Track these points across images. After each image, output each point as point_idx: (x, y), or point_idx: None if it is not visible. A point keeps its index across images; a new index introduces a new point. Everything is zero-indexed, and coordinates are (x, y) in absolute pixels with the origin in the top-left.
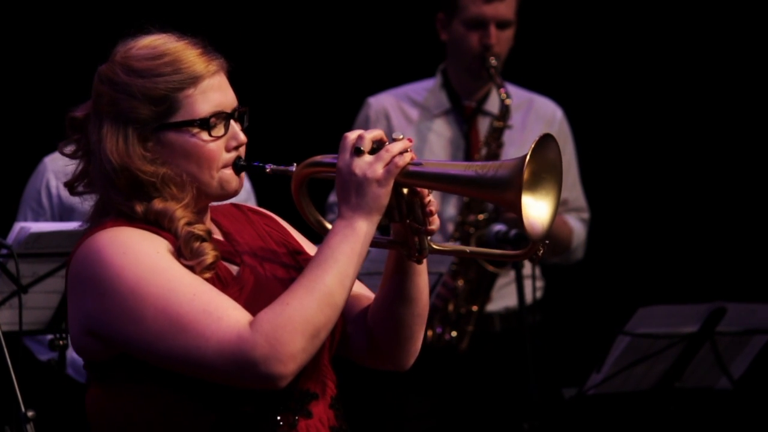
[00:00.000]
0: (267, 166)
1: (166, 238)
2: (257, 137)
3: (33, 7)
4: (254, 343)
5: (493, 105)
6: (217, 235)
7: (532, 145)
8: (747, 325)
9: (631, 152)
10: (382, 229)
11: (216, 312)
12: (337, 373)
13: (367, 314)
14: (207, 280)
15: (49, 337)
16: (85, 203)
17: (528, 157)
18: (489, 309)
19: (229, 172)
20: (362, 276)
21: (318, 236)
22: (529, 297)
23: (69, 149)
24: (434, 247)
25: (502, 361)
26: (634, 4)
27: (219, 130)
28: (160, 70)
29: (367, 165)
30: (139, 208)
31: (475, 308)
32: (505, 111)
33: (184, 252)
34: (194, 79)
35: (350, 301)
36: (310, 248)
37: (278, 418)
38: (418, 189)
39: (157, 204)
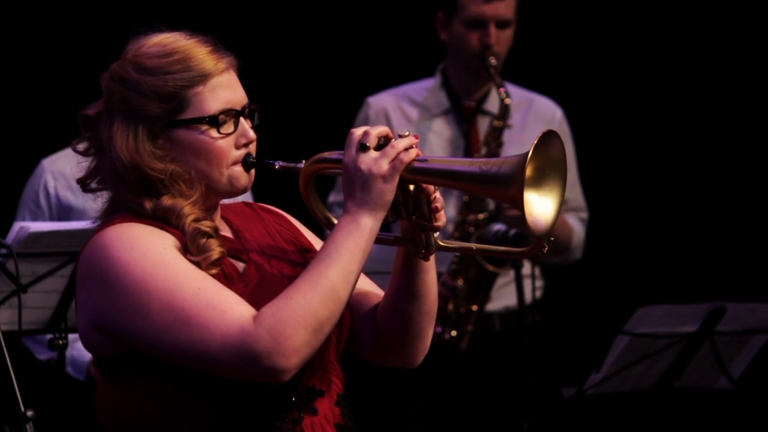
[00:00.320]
0: (276, 163)
1: (174, 234)
2: (258, 135)
3: (33, 8)
4: (257, 337)
5: (492, 104)
6: (227, 233)
7: (535, 141)
8: (746, 324)
9: (631, 152)
10: (385, 227)
11: (220, 306)
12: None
13: (377, 311)
14: (213, 276)
15: (49, 336)
16: (86, 204)
17: (530, 153)
18: (489, 308)
19: (238, 169)
20: (363, 274)
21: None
22: (528, 296)
23: (81, 147)
24: (441, 244)
25: (501, 361)
26: (634, 4)
27: (228, 128)
28: (169, 68)
29: (372, 161)
30: (148, 204)
31: (474, 308)
32: (504, 110)
33: (191, 248)
34: (203, 77)
35: (360, 298)
36: (320, 246)
37: (283, 414)
38: (424, 186)
39: (166, 200)
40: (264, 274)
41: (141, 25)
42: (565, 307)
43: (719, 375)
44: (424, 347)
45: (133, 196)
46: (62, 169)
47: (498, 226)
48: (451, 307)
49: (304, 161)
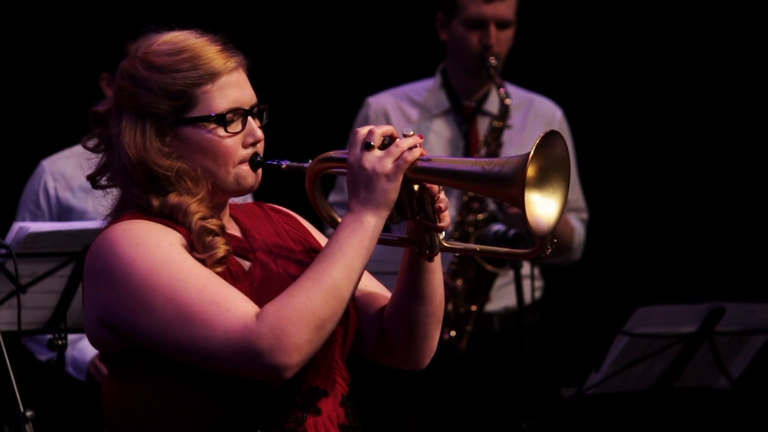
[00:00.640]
0: (283, 163)
1: (180, 231)
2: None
3: (33, 8)
4: (260, 334)
5: (492, 105)
6: (235, 231)
7: (537, 141)
8: (746, 324)
9: (631, 153)
10: (389, 228)
11: (224, 303)
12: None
13: (383, 313)
14: (218, 274)
15: (48, 337)
16: (86, 205)
17: (532, 153)
18: (488, 309)
19: (245, 168)
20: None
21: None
22: (528, 297)
23: (91, 143)
24: (445, 244)
25: (501, 361)
26: (634, 4)
27: (236, 127)
28: (178, 66)
29: (376, 159)
30: (155, 202)
31: (474, 308)
32: (504, 111)
33: (197, 245)
34: (212, 76)
35: (367, 299)
36: None
37: (286, 414)
38: (429, 186)
39: (173, 198)
40: (269, 273)
41: (141, 26)
42: (565, 308)
43: (718, 375)
44: (430, 349)
45: (141, 192)
46: (62, 170)
47: (497, 227)
48: (450, 307)
49: (310, 161)
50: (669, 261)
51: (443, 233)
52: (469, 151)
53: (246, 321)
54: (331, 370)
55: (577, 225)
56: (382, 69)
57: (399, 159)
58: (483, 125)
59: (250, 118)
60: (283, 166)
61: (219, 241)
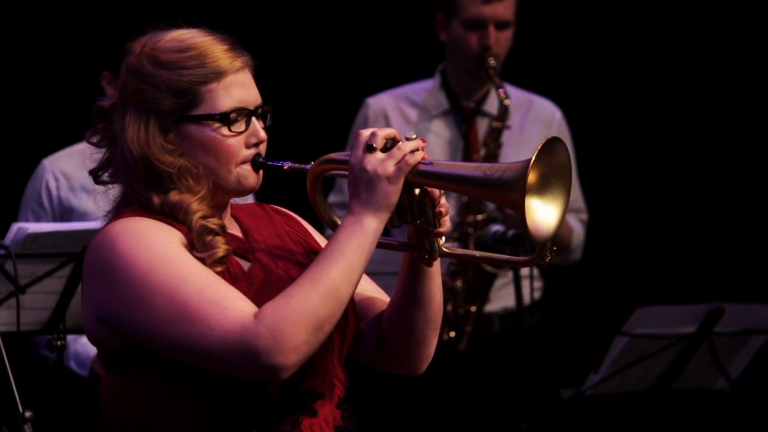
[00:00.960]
0: (285, 164)
1: (181, 230)
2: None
3: (34, 8)
4: (257, 334)
5: (491, 105)
6: (236, 231)
7: (538, 147)
8: (745, 325)
9: (630, 153)
10: (385, 232)
11: (223, 302)
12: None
13: (382, 317)
14: (217, 273)
15: (48, 337)
16: (87, 206)
17: (533, 159)
18: (487, 309)
19: (247, 168)
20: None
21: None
22: (527, 297)
23: (95, 138)
24: (444, 250)
25: (500, 362)
26: (634, 4)
27: (239, 126)
28: (185, 63)
29: (378, 162)
30: (156, 199)
31: (473, 309)
32: (503, 111)
33: (197, 244)
34: (218, 74)
35: (366, 303)
36: None
37: (282, 415)
38: (430, 190)
39: (174, 196)
40: (269, 274)
41: (148, 24)
42: (564, 308)
43: (717, 376)
44: (427, 354)
45: (142, 189)
46: (63, 169)
47: (496, 227)
48: (449, 308)
49: (312, 162)
50: (668, 261)
51: (443, 238)
52: (468, 152)
53: (244, 321)
54: (328, 372)
55: (576, 225)
56: (381, 69)
57: (401, 162)
58: (482, 126)
59: (254, 119)
60: (285, 168)
61: (219, 240)
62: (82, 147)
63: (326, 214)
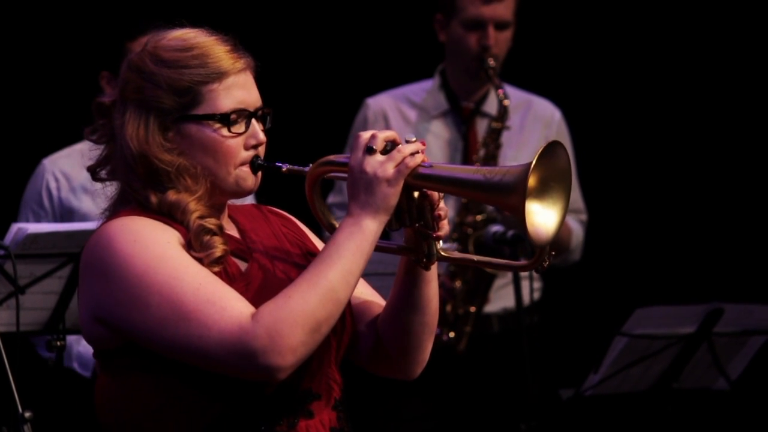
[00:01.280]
0: (283, 166)
1: (178, 230)
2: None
3: (34, 7)
4: (254, 335)
5: (491, 106)
6: (233, 232)
7: (539, 151)
8: (744, 325)
9: (629, 154)
10: (384, 236)
11: (220, 302)
12: (343, 375)
13: (377, 321)
14: (215, 273)
15: (47, 338)
16: (88, 207)
17: (533, 163)
18: (487, 310)
19: (246, 170)
20: (364, 276)
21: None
22: (526, 298)
23: (94, 135)
24: (442, 254)
25: (499, 362)
26: (633, 5)
27: (239, 128)
28: (186, 62)
29: (378, 164)
30: (154, 198)
31: (473, 309)
32: (503, 112)
33: (194, 244)
34: (219, 75)
35: (361, 307)
36: None
37: (279, 416)
38: (429, 193)
39: (171, 195)
40: (266, 275)
41: (149, 23)
42: (564, 309)
43: (717, 376)
44: (422, 359)
45: (140, 186)
46: (63, 169)
47: (496, 228)
48: (449, 308)
49: (310, 164)
50: (667, 262)
51: (441, 242)
52: (467, 152)
53: (241, 321)
54: (325, 374)
55: (575, 226)
56: (381, 70)
57: (400, 164)
58: (482, 126)
59: (253, 121)
60: (284, 170)
61: (217, 240)
62: (82, 147)
63: (324, 217)
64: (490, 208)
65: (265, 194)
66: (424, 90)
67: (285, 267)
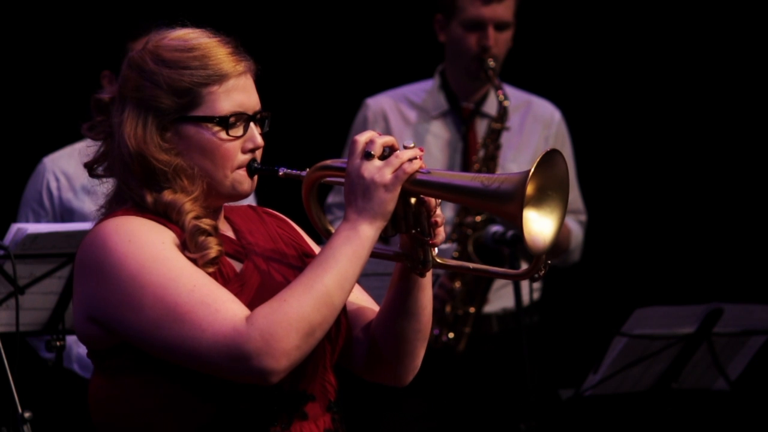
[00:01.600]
0: (280, 170)
1: (173, 230)
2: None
3: (34, 7)
4: (248, 337)
5: (491, 106)
6: (229, 233)
7: (537, 160)
8: (744, 325)
9: (629, 154)
10: (383, 241)
11: (214, 304)
12: (338, 377)
13: (371, 327)
14: (209, 274)
15: (47, 338)
16: (88, 207)
17: (532, 171)
18: (486, 310)
19: (242, 173)
20: (363, 275)
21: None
22: (526, 298)
23: (92, 131)
24: (438, 261)
25: (499, 363)
26: (633, 5)
27: (237, 131)
28: (187, 63)
29: (375, 169)
30: (149, 198)
31: (472, 310)
32: (503, 112)
33: (189, 245)
34: (220, 77)
35: (356, 312)
36: None
37: (273, 417)
38: (426, 200)
39: (167, 195)
40: (261, 276)
41: (151, 23)
42: (563, 309)
43: (717, 376)
44: (414, 366)
45: (136, 185)
46: (64, 168)
47: (495, 228)
48: (448, 309)
49: (307, 169)
50: (667, 262)
51: (437, 249)
52: (467, 153)
53: (235, 323)
54: (320, 375)
55: (575, 227)
56: (380, 70)
57: (398, 170)
58: (481, 127)
59: (252, 124)
60: (280, 174)
61: (212, 241)
62: (81, 146)
63: (320, 222)
64: None
65: (263, 197)
66: (424, 90)
67: (280, 268)
